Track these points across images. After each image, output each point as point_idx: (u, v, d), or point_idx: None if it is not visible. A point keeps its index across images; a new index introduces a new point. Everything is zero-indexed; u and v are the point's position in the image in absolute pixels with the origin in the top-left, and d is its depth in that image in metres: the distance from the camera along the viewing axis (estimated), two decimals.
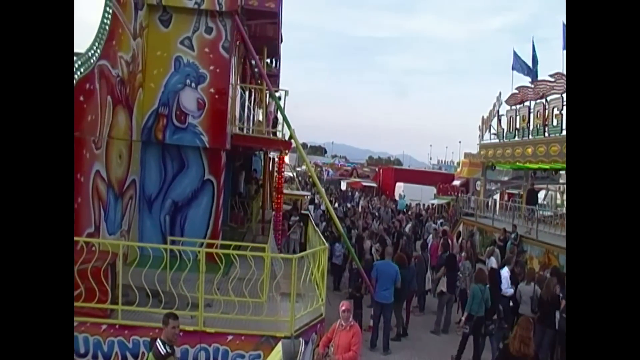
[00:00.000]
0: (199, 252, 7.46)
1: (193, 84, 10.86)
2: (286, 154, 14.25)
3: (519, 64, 23.81)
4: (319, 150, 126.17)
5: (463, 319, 10.50)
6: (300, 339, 6.48)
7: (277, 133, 13.63)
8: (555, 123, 19.33)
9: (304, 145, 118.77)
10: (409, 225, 22.19)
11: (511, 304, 11.10)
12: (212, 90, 10.92)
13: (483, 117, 25.72)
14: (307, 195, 26.64)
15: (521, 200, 24.71)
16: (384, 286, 10.75)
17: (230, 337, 7.15)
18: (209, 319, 7.18)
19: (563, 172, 26.09)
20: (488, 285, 10.52)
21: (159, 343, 5.51)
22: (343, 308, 7.26)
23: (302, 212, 17.16)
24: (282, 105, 12.52)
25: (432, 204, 36.57)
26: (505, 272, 11.75)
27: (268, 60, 18.64)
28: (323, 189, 21.47)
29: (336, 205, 30.04)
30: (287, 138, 12.69)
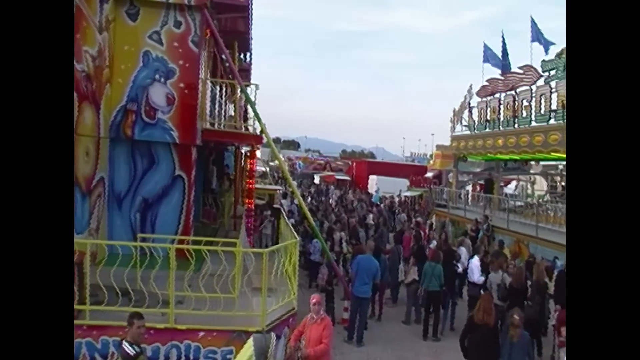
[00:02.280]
0: (169, 248, 7.38)
1: (162, 79, 10.71)
2: (258, 149, 14.20)
3: (489, 57, 24.07)
4: (293, 145, 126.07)
5: (419, 293, 11.72)
6: (272, 334, 6.48)
7: (249, 127, 13.56)
8: (524, 114, 19.65)
9: (277, 139, 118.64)
10: (371, 216, 22.33)
11: (482, 292, 11.30)
12: (181, 85, 10.79)
13: (454, 109, 25.97)
14: (280, 190, 26.62)
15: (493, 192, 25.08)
16: (363, 281, 10.82)
17: (201, 334, 7.12)
18: (180, 315, 7.12)
19: (533, 163, 26.57)
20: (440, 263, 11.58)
21: (125, 345, 5.45)
22: (314, 301, 7.29)
23: (275, 206, 17.12)
24: (252, 100, 12.46)
25: (405, 196, 36.88)
26: (475, 261, 11.95)
27: (239, 55, 18.52)
28: (295, 183, 21.45)
29: (309, 199, 30.07)
30: (258, 132, 12.64)
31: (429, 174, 42.07)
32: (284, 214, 15.06)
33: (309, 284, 14.96)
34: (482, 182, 32.13)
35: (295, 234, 10.23)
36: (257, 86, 12.90)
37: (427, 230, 19.30)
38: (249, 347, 6.21)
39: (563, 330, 8.71)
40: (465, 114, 25.01)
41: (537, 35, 19.76)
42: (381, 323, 12.42)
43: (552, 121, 17.83)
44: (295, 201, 22.05)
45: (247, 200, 13.33)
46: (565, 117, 16.77)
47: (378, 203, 30.82)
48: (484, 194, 22.76)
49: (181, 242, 9.18)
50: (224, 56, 14.29)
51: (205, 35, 11.55)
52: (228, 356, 7.12)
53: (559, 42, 17.45)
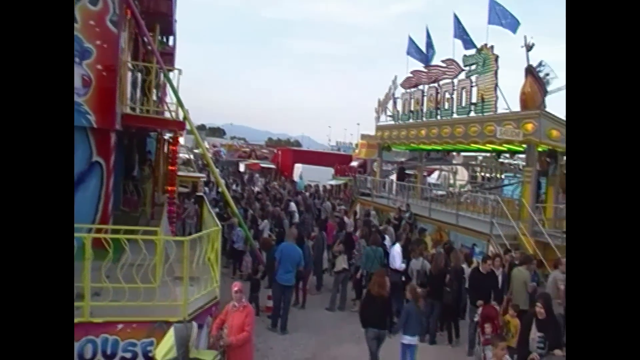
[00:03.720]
0: (84, 238, 7.04)
1: (77, 59, 10.16)
2: (181, 135, 13.84)
3: (414, 50, 24.53)
4: (218, 132, 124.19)
5: (359, 275, 12.29)
6: (194, 323, 6.37)
7: (172, 113, 13.17)
8: (447, 106, 20.25)
9: (202, 126, 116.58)
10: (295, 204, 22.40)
11: (403, 278, 11.64)
12: (98, 66, 10.25)
13: (379, 99, 26.37)
14: (203, 177, 26.13)
15: (416, 181, 25.72)
16: (287, 269, 10.81)
17: (120, 326, 6.89)
18: (96, 308, 6.85)
19: (454, 154, 27.46)
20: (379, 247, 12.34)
21: None
22: (236, 289, 7.23)
23: (198, 194, 16.80)
24: (175, 85, 12.11)
25: (330, 185, 37.18)
26: (397, 249, 12.23)
27: (162, 38, 17.93)
28: (218, 171, 21.12)
29: (234, 187, 29.74)
30: (181, 119, 12.30)
31: (354, 163, 42.60)
32: (207, 202, 14.81)
33: (232, 272, 14.81)
34: (406, 171, 32.95)
35: (218, 221, 10.06)
36: (180, 71, 12.55)
37: (351, 218, 19.51)
38: (169, 337, 6.07)
39: (487, 327, 9.00)
40: (390, 104, 25.47)
41: (460, 31, 20.35)
42: (305, 310, 12.49)
43: (472, 114, 18.50)
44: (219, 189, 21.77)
45: (169, 188, 12.99)
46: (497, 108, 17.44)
47: (303, 191, 30.90)
48: (408, 183, 23.35)
49: (99, 231, 8.80)
50: (145, 39, 13.79)
51: (126, 15, 11.07)
52: (148, 348, 6.93)
53: (480, 39, 18.03)
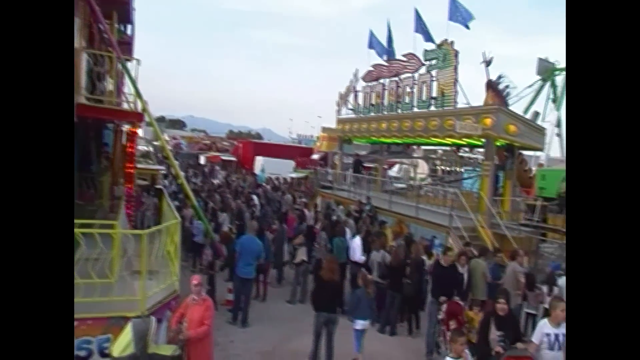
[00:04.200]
0: None
1: None
2: (139, 127, 13.55)
3: (375, 44, 24.65)
4: (178, 124, 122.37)
5: None
6: (152, 317, 6.26)
7: (130, 105, 12.88)
8: (407, 100, 20.44)
9: (162, 118, 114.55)
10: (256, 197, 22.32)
11: (363, 270, 11.71)
12: None
13: (340, 92, 26.43)
14: (162, 170, 25.72)
15: (376, 174, 25.90)
16: (247, 261, 10.75)
17: (74, 323, 6.69)
18: None
19: (415, 147, 27.78)
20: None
21: None
22: (195, 282, 7.13)
23: (157, 187, 16.52)
24: (133, 75, 11.83)
25: (291, 177, 37.15)
26: (357, 241, 12.30)
27: (119, 27, 17.48)
28: (177, 163, 20.79)
29: (194, 179, 29.40)
30: (139, 110, 12.04)
31: (315, 156, 42.65)
32: (167, 195, 14.58)
33: (192, 265, 14.64)
34: (367, 164, 33.14)
35: (177, 214, 9.91)
36: (138, 61, 12.29)
37: (311, 211, 19.52)
38: (127, 333, 5.97)
39: (452, 324, 8.90)
40: (351, 97, 25.56)
41: (420, 26, 20.55)
42: (266, 303, 12.46)
43: (432, 108, 18.73)
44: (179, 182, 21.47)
45: (127, 181, 12.72)
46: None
47: (263, 184, 30.78)
48: (366, 176, 23.53)
49: None
50: (101, 26, 13.41)
51: (79, 1, 10.73)
52: (105, 344, 6.75)
53: (443, 35, 18.24)
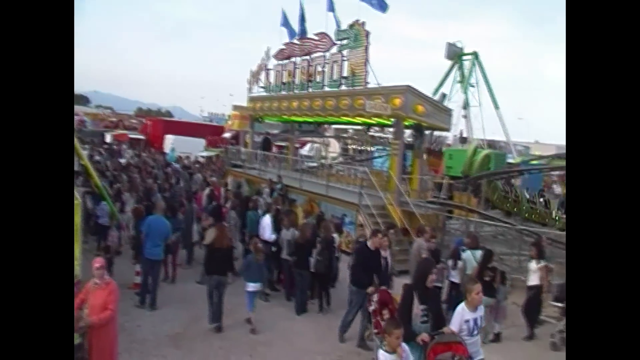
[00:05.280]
0: None
1: None
2: None
3: (287, 21, 24.49)
4: (81, 99, 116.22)
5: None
6: None
7: None
8: (318, 79, 20.52)
9: None
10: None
11: (274, 249, 11.76)
12: None
13: (252, 70, 26.12)
14: None
15: (287, 152, 25.93)
16: (155, 243, 10.43)
17: None
18: None
19: (326, 126, 27.99)
20: None
21: None
22: (97, 265, 6.77)
23: None
24: None
25: (202, 156, 36.49)
26: (267, 220, 12.27)
27: None
28: (78, 141, 19.75)
29: (97, 158, 28.15)
30: None
31: (227, 135, 42.05)
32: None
33: (97, 248, 14.03)
34: (279, 143, 33.04)
35: (77, 195, 9.41)
36: None
37: (221, 190, 19.27)
38: None
39: (385, 313, 8.15)
40: (263, 75, 25.33)
41: (332, 6, 20.64)
42: (175, 285, 12.19)
43: (343, 87, 18.91)
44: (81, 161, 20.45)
45: None
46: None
47: (173, 163, 30.02)
48: (278, 155, 23.53)
49: None
50: None
51: None
52: None
53: (352, 15, 18.38)
